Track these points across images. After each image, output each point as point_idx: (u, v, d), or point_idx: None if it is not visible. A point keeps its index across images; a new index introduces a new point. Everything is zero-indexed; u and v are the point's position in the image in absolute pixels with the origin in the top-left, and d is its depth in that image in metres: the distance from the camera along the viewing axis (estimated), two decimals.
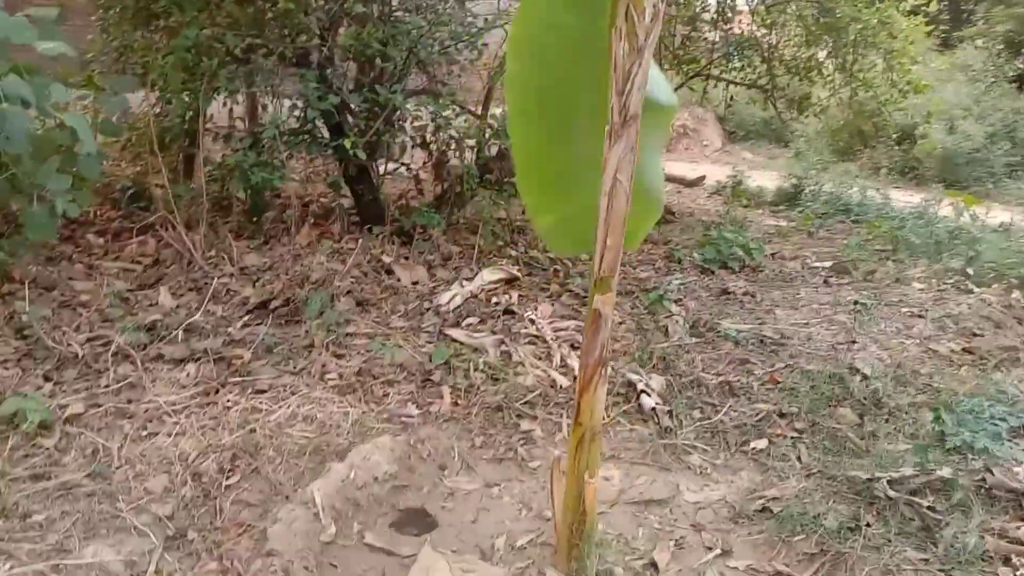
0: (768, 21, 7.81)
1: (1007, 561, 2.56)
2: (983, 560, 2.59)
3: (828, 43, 7.78)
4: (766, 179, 11.23)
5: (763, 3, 7.78)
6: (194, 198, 5.07)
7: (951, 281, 5.79)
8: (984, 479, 2.92)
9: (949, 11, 18.85)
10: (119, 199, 5.57)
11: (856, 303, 4.93)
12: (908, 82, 7.35)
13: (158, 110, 5.25)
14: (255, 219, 5.36)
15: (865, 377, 3.87)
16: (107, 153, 5.60)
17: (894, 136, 12.80)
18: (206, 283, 4.55)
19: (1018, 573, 2.49)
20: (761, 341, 4.48)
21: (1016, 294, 5.41)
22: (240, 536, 2.62)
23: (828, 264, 6.41)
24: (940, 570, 2.56)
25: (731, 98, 9.84)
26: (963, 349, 4.37)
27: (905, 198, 9.76)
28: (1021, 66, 14.43)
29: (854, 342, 4.45)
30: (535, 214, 2.67)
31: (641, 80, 2.12)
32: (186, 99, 4.87)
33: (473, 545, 2.78)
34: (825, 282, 5.85)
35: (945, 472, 2.94)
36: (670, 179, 9.01)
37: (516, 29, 2.45)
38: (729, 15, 8.10)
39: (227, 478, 2.95)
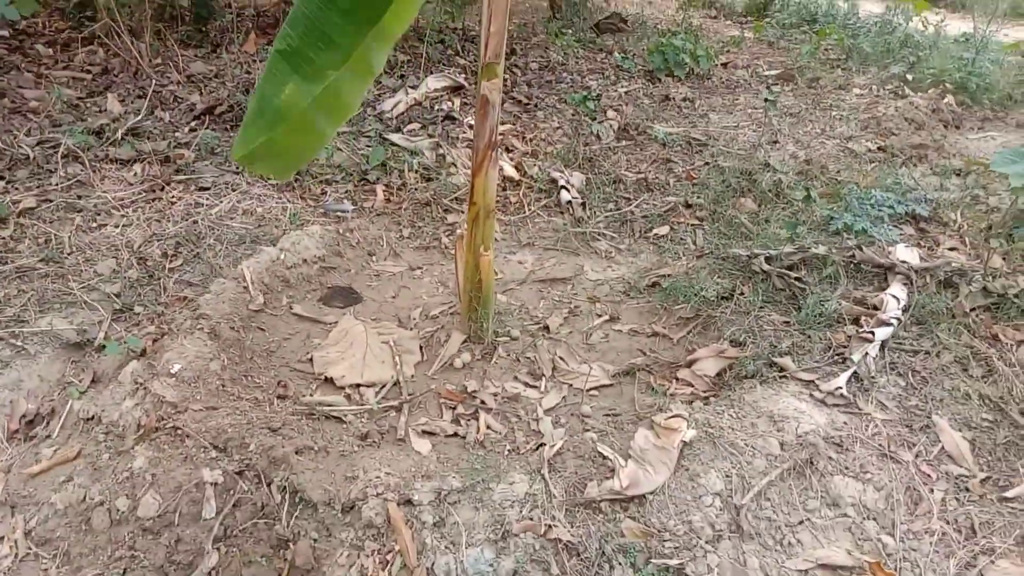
0: None
1: (855, 321, 2.91)
2: (837, 322, 2.95)
3: None
4: None
5: None
6: (139, 5, 5.08)
7: (890, 87, 5.93)
8: (854, 255, 3.24)
9: None
10: (65, 7, 5.55)
11: (766, 100, 5.07)
12: None
13: None
14: (202, 29, 5.38)
15: (774, 171, 4.12)
16: None
17: None
18: (154, 91, 4.68)
19: (861, 330, 2.84)
20: (688, 143, 4.69)
21: (948, 98, 5.57)
22: (180, 308, 2.95)
23: (777, 72, 6.51)
24: (797, 330, 2.91)
25: None
26: (878, 148, 4.60)
27: (875, 9, 9.66)
28: None
29: (775, 142, 4.67)
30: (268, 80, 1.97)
31: None
32: None
33: (392, 315, 3.13)
34: (768, 88, 5.97)
35: (820, 250, 3.25)
36: None
37: None
38: None
39: (170, 262, 3.24)
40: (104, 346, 2.70)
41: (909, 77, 5.97)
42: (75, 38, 5.31)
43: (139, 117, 4.26)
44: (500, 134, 4.83)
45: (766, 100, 4.98)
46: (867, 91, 5.92)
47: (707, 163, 4.36)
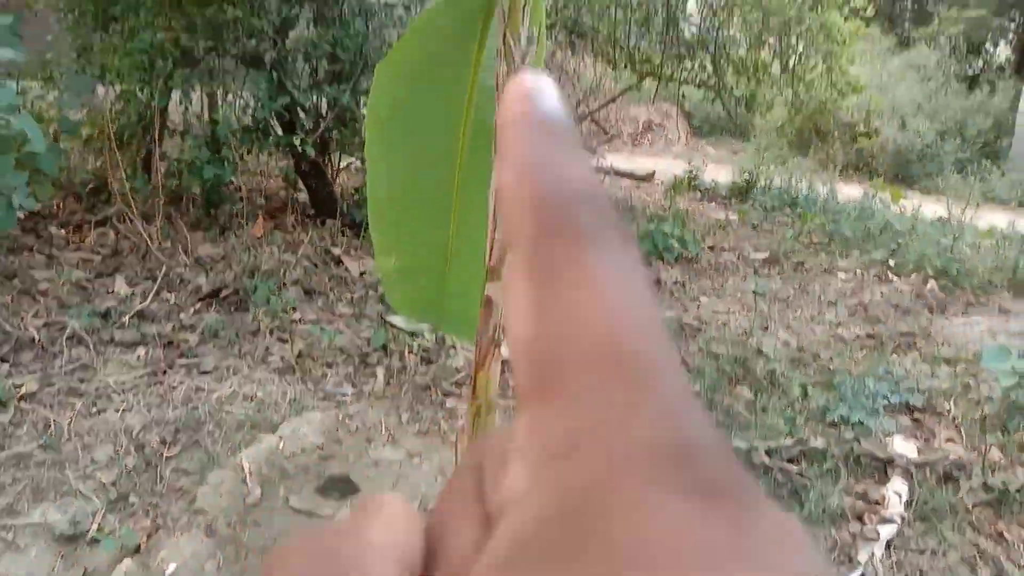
0: (716, 24, 8.13)
1: (859, 518, 2.89)
2: (841, 517, 2.92)
3: (773, 45, 8.11)
4: (723, 173, 11.60)
5: (711, 7, 8.08)
6: (152, 192, 5.32)
7: (874, 272, 6.16)
8: (853, 448, 3.26)
9: (911, 11, 19.34)
10: (81, 192, 5.80)
11: (754, 292, 5.26)
12: (847, 83, 7.70)
13: (118, 107, 5.49)
14: (211, 212, 5.62)
15: (768, 359, 4.20)
16: (68, 149, 5.83)
17: (850, 132, 13.21)
18: (161, 272, 4.82)
19: (866, 528, 2.82)
20: (681, 328, 4.80)
21: (931, 283, 5.78)
22: (176, 499, 2.91)
23: (764, 255, 6.77)
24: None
25: (683, 95, 10.12)
26: (867, 334, 4.72)
27: (852, 192, 10.16)
28: (970, 68, 14.92)
29: (766, 328, 4.79)
30: (380, 254, 2.53)
31: None
32: (142, 98, 5.11)
33: None
34: (755, 272, 6.19)
35: (819, 443, 3.27)
36: (622, 175, 9.31)
37: (395, 51, 2.52)
38: (679, 17, 8.42)
39: (168, 450, 3.22)
40: (97, 539, 2.64)
41: (892, 262, 6.21)
42: (88, 220, 5.52)
43: (147, 301, 4.36)
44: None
45: (754, 292, 5.16)
46: (852, 275, 6.14)
47: (701, 349, 4.45)
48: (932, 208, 9.55)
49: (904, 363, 4.29)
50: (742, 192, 10.17)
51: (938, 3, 15.10)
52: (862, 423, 3.45)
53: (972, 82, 14.39)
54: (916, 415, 3.69)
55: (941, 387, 3.92)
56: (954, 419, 3.67)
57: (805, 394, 3.72)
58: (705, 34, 8.21)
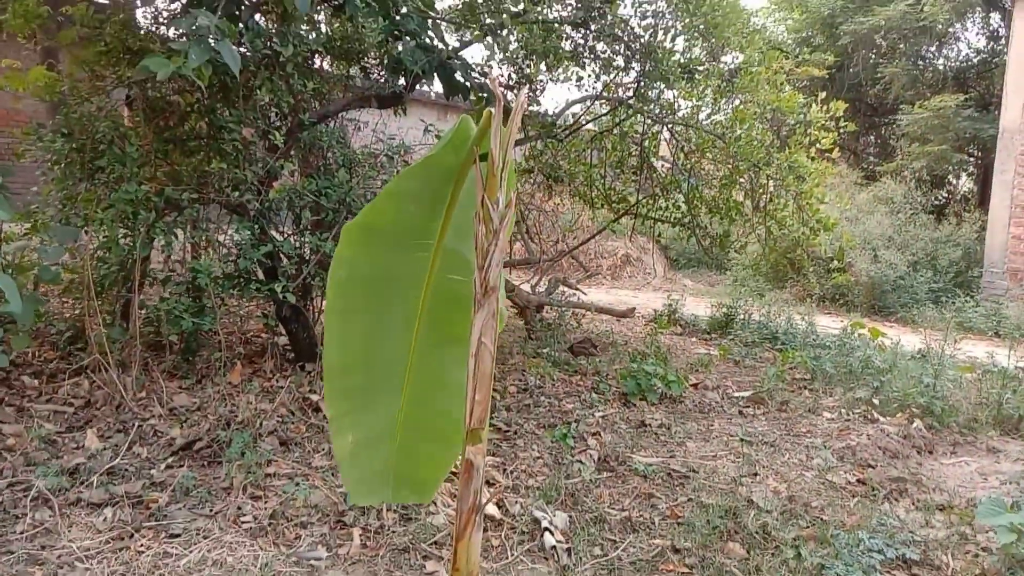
0: (688, 165, 8.41)
1: None
2: None
3: (744, 185, 8.37)
4: (702, 307, 11.74)
5: (682, 149, 8.37)
6: (129, 341, 5.25)
7: (859, 411, 6.11)
8: None
9: (875, 146, 20.19)
10: (58, 341, 5.72)
11: (741, 439, 5.21)
12: (818, 220, 7.90)
13: (100, 255, 5.50)
14: (188, 359, 5.54)
15: (759, 510, 4.08)
16: (46, 299, 5.79)
17: (825, 265, 13.49)
18: (135, 424, 4.69)
19: None
20: (669, 475, 4.70)
21: (917, 423, 5.73)
22: None
23: (747, 394, 6.72)
24: None
25: (659, 235, 10.34)
26: (857, 480, 4.62)
27: (832, 325, 10.28)
28: (936, 200, 15.47)
29: (755, 474, 4.69)
30: (336, 434, 2.38)
31: (498, 258, 2.42)
32: (124, 246, 5.13)
33: None
34: (740, 413, 6.13)
35: None
36: (602, 311, 9.37)
37: (364, 214, 2.36)
38: (651, 159, 8.72)
39: None
40: None
41: (876, 401, 6.18)
42: (63, 369, 5.42)
43: (118, 458, 4.22)
44: None
45: (741, 440, 5.09)
46: (836, 415, 6.09)
47: (690, 498, 4.33)
48: (910, 339, 9.65)
49: (898, 511, 4.18)
50: (722, 326, 10.25)
51: (899, 139, 15.76)
52: None
53: (939, 214, 14.86)
54: (914, 570, 3.56)
55: (937, 537, 3.81)
56: (953, 573, 3.54)
57: (799, 553, 3.58)
58: (677, 175, 8.47)
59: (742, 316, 10.21)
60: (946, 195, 17.33)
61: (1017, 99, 12.95)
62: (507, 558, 3.74)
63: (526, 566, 3.71)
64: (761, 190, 8.15)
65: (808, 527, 3.94)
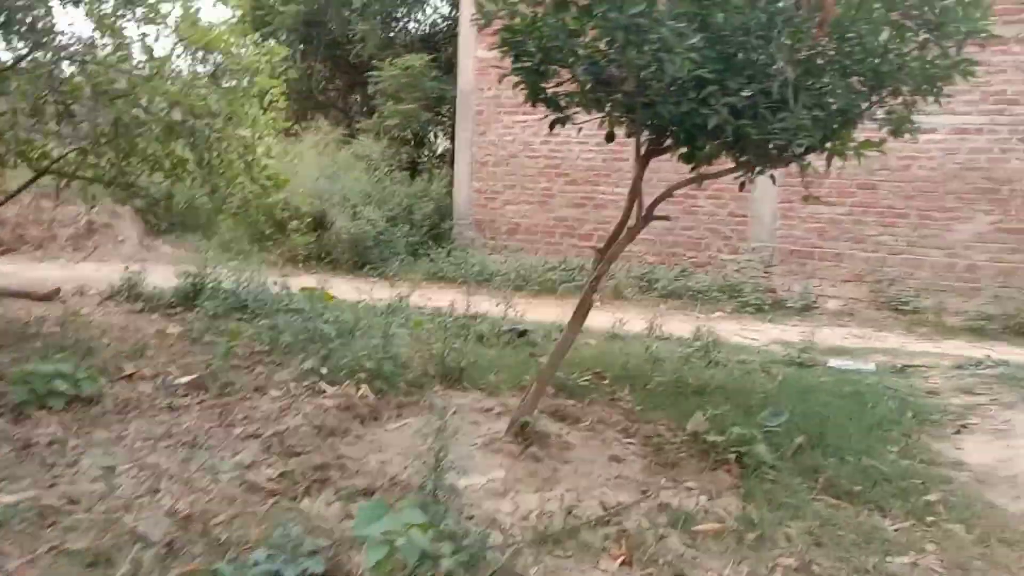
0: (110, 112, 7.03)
1: None
2: None
3: (188, 138, 7.29)
4: (175, 276, 10.39)
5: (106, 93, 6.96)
6: None
7: (306, 384, 5.58)
8: None
9: (359, 104, 20.46)
10: None
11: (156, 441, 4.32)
12: (268, 177, 7.22)
13: None
14: None
15: (145, 545, 3.19)
16: None
17: (308, 224, 13.09)
18: None
19: None
20: (40, 514, 3.55)
21: (363, 388, 5.37)
22: None
23: (191, 378, 5.77)
24: None
25: (93, 197, 8.75)
26: (279, 474, 4.00)
27: (310, 284, 9.72)
28: (419, 158, 16.17)
29: (157, 491, 3.78)
30: None
31: None
32: None
33: None
34: (170, 406, 5.16)
35: None
36: (18, 296, 7.59)
37: None
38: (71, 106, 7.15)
39: None
40: None
41: (323, 370, 5.70)
42: None
43: None
44: None
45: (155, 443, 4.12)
46: (284, 392, 5.48)
47: (54, 546, 3.25)
48: (386, 293, 9.60)
49: (316, 506, 3.64)
50: (189, 298, 9.09)
51: (375, 97, 16.02)
52: None
53: (415, 170, 15.46)
54: None
55: (348, 536, 3.31)
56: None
57: None
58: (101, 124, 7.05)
59: (211, 284, 9.16)
60: (428, 153, 18.23)
61: (468, 62, 13.86)
62: None
63: None
64: (205, 143, 7.15)
65: (200, 556, 3.16)
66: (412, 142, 16.84)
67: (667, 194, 4.86)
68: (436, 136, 20.10)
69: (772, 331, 9.59)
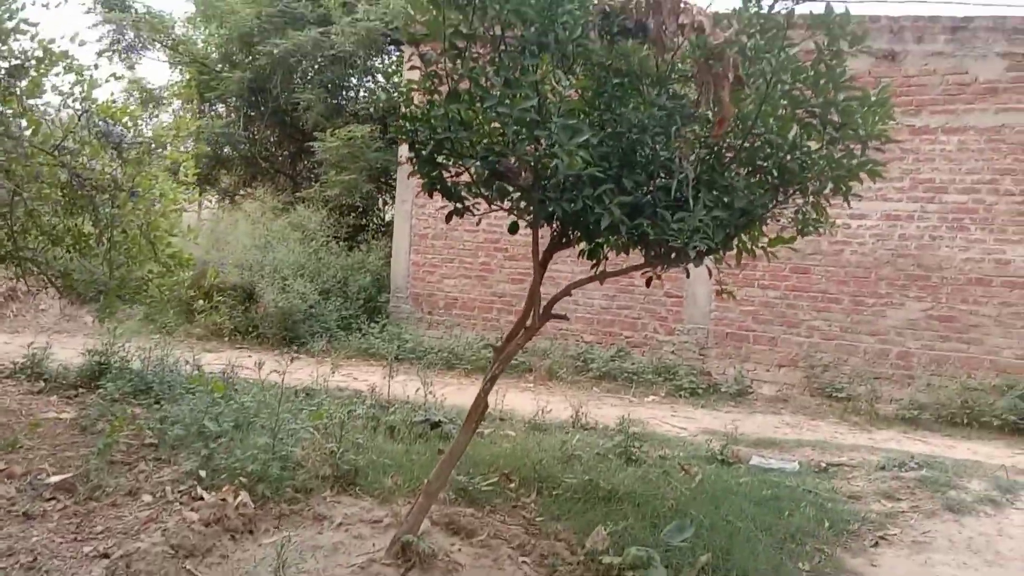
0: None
1: None
2: None
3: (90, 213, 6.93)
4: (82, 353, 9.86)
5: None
6: None
7: (185, 487, 5.15)
8: None
9: (308, 170, 20.19)
10: None
11: None
12: (171, 256, 6.87)
13: None
14: None
15: None
16: None
17: (237, 296, 12.70)
18: None
19: None
20: None
21: (243, 495, 4.95)
22: None
23: (63, 477, 5.30)
24: None
25: (54, 258, 8.24)
26: None
27: (246, 365, 9.20)
28: (361, 227, 15.90)
29: None
30: None
31: None
32: None
33: None
34: (26, 513, 4.69)
35: None
36: None
37: None
38: None
39: None
40: None
41: (202, 473, 5.26)
42: None
43: None
44: None
45: None
46: (159, 496, 5.04)
47: None
48: (308, 372, 9.19)
49: None
50: (94, 378, 8.61)
51: (319, 165, 15.81)
52: None
53: (353, 242, 15.16)
54: None
55: None
56: None
57: None
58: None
59: (116, 364, 8.69)
60: (376, 222, 17.94)
61: None
62: None
63: None
64: (107, 219, 6.79)
65: None
66: (357, 211, 16.57)
67: (565, 292, 4.62)
68: (385, 204, 19.89)
69: (704, 418, 9.33)
